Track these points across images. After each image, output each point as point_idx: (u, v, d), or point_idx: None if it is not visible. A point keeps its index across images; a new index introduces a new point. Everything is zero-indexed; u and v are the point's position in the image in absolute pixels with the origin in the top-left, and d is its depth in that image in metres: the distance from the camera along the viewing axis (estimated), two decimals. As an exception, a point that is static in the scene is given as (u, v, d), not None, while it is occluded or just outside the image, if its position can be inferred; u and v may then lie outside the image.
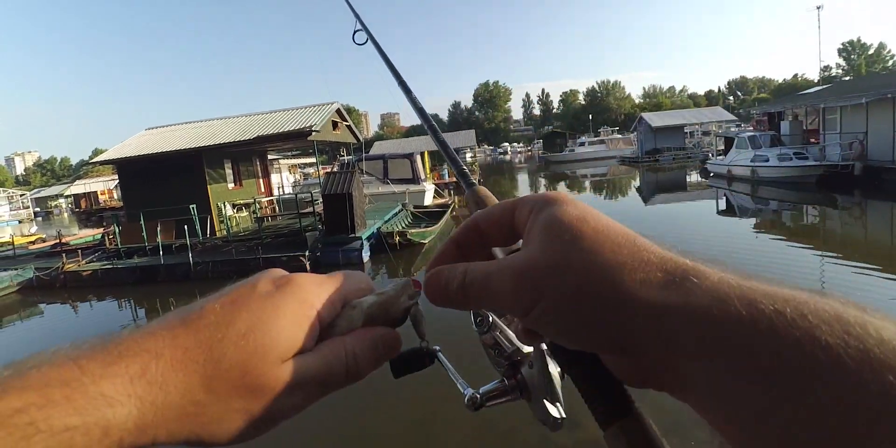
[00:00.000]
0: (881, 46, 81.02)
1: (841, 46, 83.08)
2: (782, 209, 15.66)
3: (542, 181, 35.52)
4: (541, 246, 0.31)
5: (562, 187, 30.45)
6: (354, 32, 1.20)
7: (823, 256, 9.31)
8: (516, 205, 0.36)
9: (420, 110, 0.77)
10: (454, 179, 31.53)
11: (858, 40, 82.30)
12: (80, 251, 13.52)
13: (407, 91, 0.85)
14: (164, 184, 14.19)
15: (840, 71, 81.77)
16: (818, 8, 39.47)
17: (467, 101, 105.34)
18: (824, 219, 13.63)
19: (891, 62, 79.26)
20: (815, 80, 63.66)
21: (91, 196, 44.85)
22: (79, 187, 48.47)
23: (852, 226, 12.61)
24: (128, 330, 0.30)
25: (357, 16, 1.24)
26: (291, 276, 0.37)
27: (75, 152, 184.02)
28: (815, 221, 13.53)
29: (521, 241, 0.36)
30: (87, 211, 41.59)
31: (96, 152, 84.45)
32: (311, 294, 0.36)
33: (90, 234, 18.78)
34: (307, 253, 11.49)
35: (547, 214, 0.32)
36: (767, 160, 19.19)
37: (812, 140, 21.22)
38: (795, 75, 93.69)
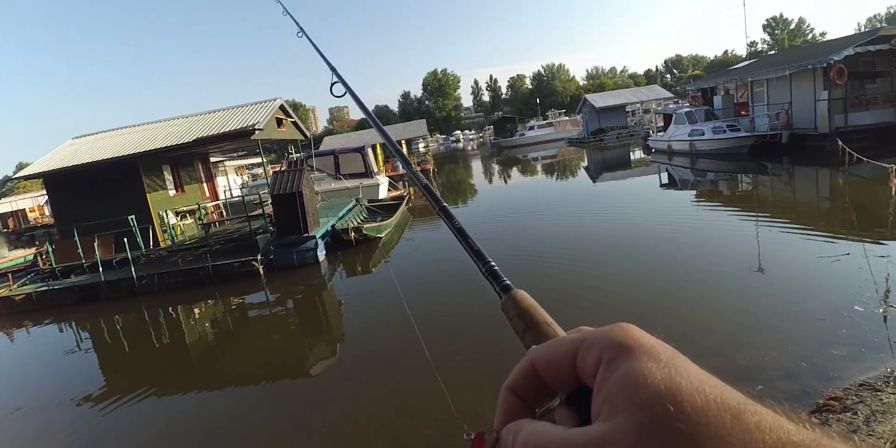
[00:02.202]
0: (801, 21, 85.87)
1: (765, 22, 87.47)
2: (719, 179, 16.51)
3: (496, 167, 35.84)
4: (623, 427, 0.27)
5: (514, 176, 30.86)
6: (332, 84, 1.29)
7: (757, 219, 9.88)
8: (578, 347, 0.33)
9: (378, 127, 0.78)
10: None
11: (781, 16, 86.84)
12: (10, 275, 12.63)
13: (362, 106, 0.88)
14: (98, 195, 13.39)
15: (765, 46, 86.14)
16: (741, -15, 41.33)
17: (417, 91, 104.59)
18: (756, 185, 14.46)
19: (811, 35, 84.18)
20: (744, 56, 66.94)
21: (19, 214, 41.75)
22: (4, 205, 45.02)
23: (782, 190, 13.44)
24: None
25: (333, 69, 1.32)
26: None
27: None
28: (748, 188, 14.33)
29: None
30: (16, 230, 38.74)
31: (21, 166, 78.75)
32: None
33: (21, 255, 17.57)
34: (259, 257, 11.17)
35: (626, 376, 0.29)
36: (703, 134, 20.11)
37: (743, 112, 22.38)
38: (725, 52, 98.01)
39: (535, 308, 0.45)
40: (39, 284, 11.91)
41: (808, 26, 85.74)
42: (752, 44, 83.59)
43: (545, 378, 0.35)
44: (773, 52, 72.04)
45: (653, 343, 0.31)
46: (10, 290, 11.72)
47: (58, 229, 13.96)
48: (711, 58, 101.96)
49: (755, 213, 10.51)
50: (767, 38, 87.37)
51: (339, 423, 4.88)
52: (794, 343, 4.80)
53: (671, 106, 39.95)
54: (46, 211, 40.69)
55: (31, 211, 42.25)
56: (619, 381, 0.29)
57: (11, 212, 42.48)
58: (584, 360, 0.33)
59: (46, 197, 16.30)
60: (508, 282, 0.47)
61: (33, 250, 17.05)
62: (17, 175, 15.60)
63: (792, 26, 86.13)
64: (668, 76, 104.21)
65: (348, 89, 1.47)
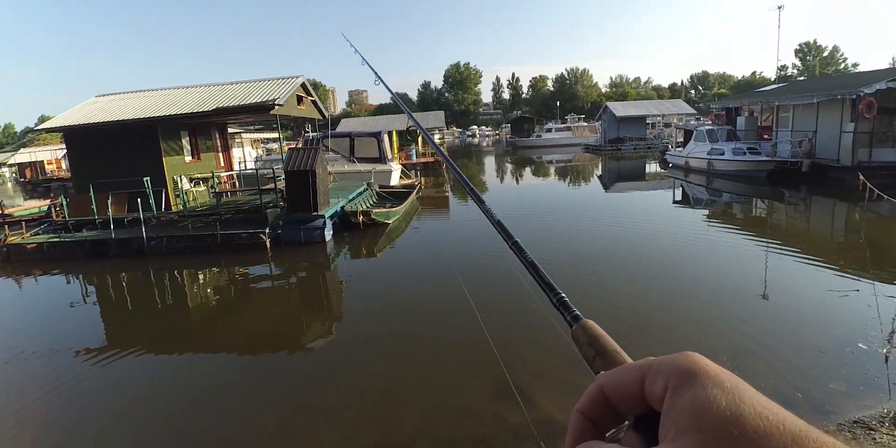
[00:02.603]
0: (835, 49, 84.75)
1: (798, 47, 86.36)
2: (734, 201, 16.41)
3: (510, 166, 35.76)
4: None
5: (527, 176, 30.79)
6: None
7: (768, 245, 9.85)
8: (646, 373, 0.35)
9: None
10: (422, 160, 31.41)
11: (814, 42, 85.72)
12: (24, 223, 12.79)
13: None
14: (116, 154, 13.49)
15: (795, 71, 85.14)
16: (779, 8, 40.76)
17: (437, 82, 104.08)
18: (771, 211, 14.37)
19: (843, 65, 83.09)
20: (772, 79, 66.14)
21: (37, 165, 42.14)
22: (24, 156, 45.47)
23: (797, 219, 13.35)
24: None
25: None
26: None
27: (20, 119, 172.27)
28: (762, 213, 14.25)
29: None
30: (33, 181, 39.16)
31: (42, 119, 79.28)
32: None
33: (36, 205, 17.79)
34: (267, 230, 11.26)
35: (692, 401, 0.31)
36: (723, 153, 19.96)
37: (765, 136, 22.19)
38: (754, 73, 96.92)
39: (604, 337, 0.47)
40: (51, 235, 12.07)
41: (842, 55, 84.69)
42: (783, 67, 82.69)
43: (614, 402, 0.37)
44: (802, 77, 71.26)
45: (717, 370, 0.33)
46: (23, 238, 11.88)
47: (73, 183, 14.08)
48: (739, 77, 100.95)
49: (766, 239, 10.47)
50: (798, 62, 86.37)
51: (326, 402, 4.95)
52: (792, 373, 4.83)
53: (693, 122, 39.69)
54: (63, 164, 41.00)
55: (48, 163, 42.61)
56: (685, 407, 0.31)
57: (29, 162, 42.90)
58: (652, 385, 0.35)
59: (65, 151, 16.39)
60: (578, 312, 0.50)
61: (48, 202, 17.23)
62: (38, 127, 15.69)
63: (825, 53, 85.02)
64: (693, 92, 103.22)
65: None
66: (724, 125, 23.04)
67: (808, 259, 8.83)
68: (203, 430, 4.63)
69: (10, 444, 4.53)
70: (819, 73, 75.51)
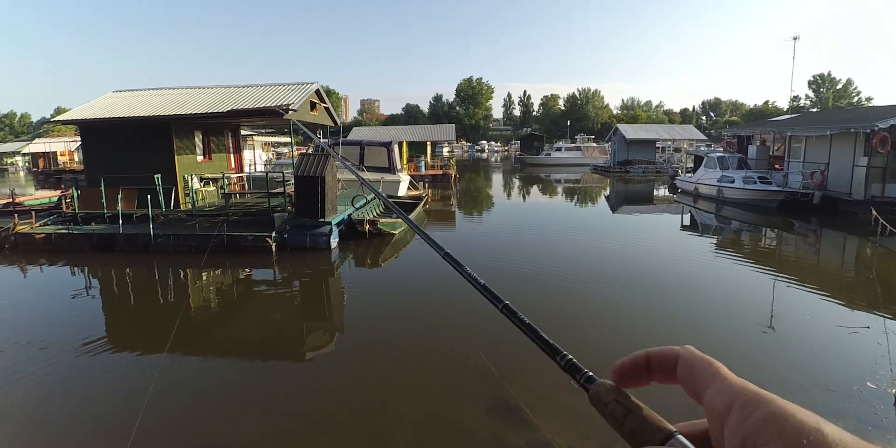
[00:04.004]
0: (849, 83, 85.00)
1: (811, 78, 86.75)
2: (742, 229, 16.31)
3: (517, 183, 35.81)
4: None
5: (534, 194, 30.80)
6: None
7: (776, 276, 9.74)
8: (710, 384, 0.38)
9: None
10: (430, 172, 31.50)
11: (828, 74, 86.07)
12: (33, 212, 12.87)
13: None
14: (129, 150, 13.60)
15: (808, 102, 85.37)
16: (794, 39, 41.10)
17: (449, 95, 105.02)
18: (781, 242, 14.26)
19: (856, 98, 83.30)
20: (785, 109, 66.36)
21: (50, 156, 42.68)
22: (38, 146, 46.06)
23: (806, 251, 13.24)
24: None
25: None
26: None
27: (36, 109, 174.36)
28: (771, 244, 14.14)
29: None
30: (45, 171, 39.64)
31: (59, 111, 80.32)
32: None
33: (46, 195, 17.94)
34: (274, 234, 11.25)
35: (768, 413, 0.32)
36: (733, 181, 19.91)
37: (777, 166, 22.14)
38: (766, 102, 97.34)
39: (626, 393, 0.46)
40: (60, 227, 12.13)
41: (855, 89, 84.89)
42: (795, 98, 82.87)
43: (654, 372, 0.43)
44: (815, 109, 71.44)
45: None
46: (32, 227, 11.95)
47: (85, 176, 14.18)
48: (751, 106, 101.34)
49: (774, 270, 10.36)
50: (811, 94, 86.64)
51: (319, 411, 4.89)
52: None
53: (703, 148, 39.73)
54: (76, 157, 41.50)
55: (61, 155, 43.12)
56: (761, 418, 0.32)
57: (43, 153, 43.41)
58: (715, 398, 0.36)
59: (79, 143, 16.55)
60: (591, 373, 0.48)
61: (58, 192, 17.37)
62: (55, 118, 15.87)
63: (839, 86, 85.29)
64: (704, 118, 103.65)
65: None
66: (735, 153, 23.02)
67: (817, 292, 8.72)
68: (188, 432, 4.55)
69: None
70: (832, 105, 75.66)
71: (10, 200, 14.48)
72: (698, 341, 6.48)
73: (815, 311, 7.74)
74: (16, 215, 12.21)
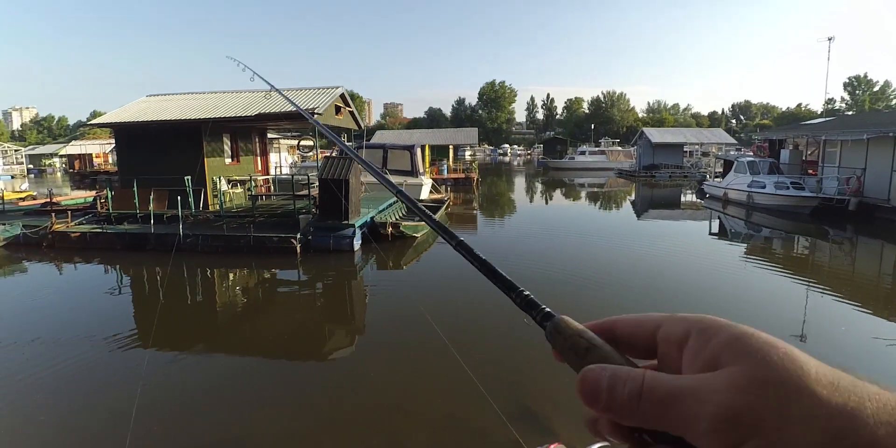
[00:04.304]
0: (886, 85, 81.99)
1: (847, 80, 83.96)
2: (774, 237, 15.83)
3: (540, 186, 35.57)
4: (749, 372, 0.29)
5: (557, 198, 30.55)
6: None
7: (809, 285, 9.43)
8: (661, 322, 0.35)
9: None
10: (452, 176, 31.55)
11: (865, 76, 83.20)
12: (69, 212, 13.36)
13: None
14: (160, 152, 14.01)
15: (843, 105, 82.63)
16: (829, 39, 39.80)
17: (471, 99, 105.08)
18: (814, 250, 13.80)
19: (895, 101, 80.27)
20: (819, 112, 64.35)
21: (86, 158, 44.32)
22: (74, 148, 47.88)
23: (841, 260, 12.77)
24: None
25: None
26: None
27: (73, 112, 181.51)
28: (804, 251, 13.69)
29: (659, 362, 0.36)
30: (81, 172, 41.17)
31: (94, 114, 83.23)
32: None
33: (82, 196, 18.58)
34: (298, 235, 11.42)
35: (730, 335, 0.31)
36: (764, 187, 19.37)
37: (810, 171, 21.45)
38: (799, 105, 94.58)
39: (588, 330, 0.42)
40: (94, 226, 12.56)
41: (894, 90, 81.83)
42: (830, 101, 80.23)
43: (620, 336, 0.38)
44: (850, 112, 69.03)
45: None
46: (68, 226, 12.40)
47: (119, 177, 14.66)
48: (783, 109, 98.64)
49: (807, 279, 10.03)
50: (847, 96, 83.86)
51: (337, 410, 4.92)
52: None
53: (733, 152, 38.77)
54: (110, 159, 42.96)
55: (96, 156, 44.73)
56: (724, 340, 0.31)
57: (79, 155, 45.12)
58: (670, 329, 0.34)
59: (113, 145, 17.13)
60: (549, 309, 0.44)
61: (93, 193, 17.99)
62: (91, 122, 16.46)
63: (876, 88, 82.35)
64: (734, 121, 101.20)
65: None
66: (766, 157, 22.42)
67: (852, 303, 8.39)
68: (206, 427, 4.63)
69: (17, 424, 4.63)
70: (869, 108, 73.03)
71: (48, 200, 15.06)
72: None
73: (850, 322, 7.46)
74: (53, 214, 12.69)
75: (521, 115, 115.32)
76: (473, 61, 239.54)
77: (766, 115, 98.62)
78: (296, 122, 15.12)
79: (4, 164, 44.41)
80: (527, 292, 0.48)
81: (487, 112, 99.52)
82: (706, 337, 0.32)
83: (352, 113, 17.72)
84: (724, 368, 0.30)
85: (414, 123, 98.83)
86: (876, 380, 0.29)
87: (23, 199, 17.82)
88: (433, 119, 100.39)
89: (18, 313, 8.01)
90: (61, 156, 50.64)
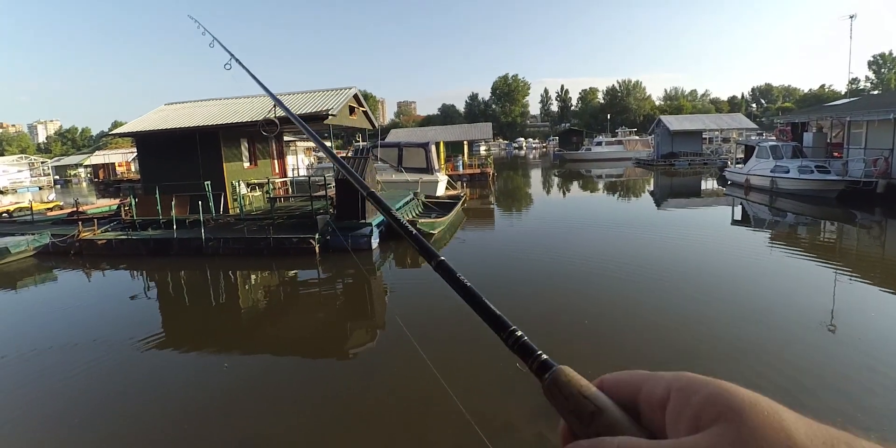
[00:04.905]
0: (914, 61, 78.97)
1: (871, 59, 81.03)
2: (799, 223, 15.43)
3: (557, 179, 35.27)
4: (730, 435, 0.28)
5: (575, 190, 30.28)
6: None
7: (837, 271, 9.18)
8: (641, 384, 0.35)
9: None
10: (468, 171, 31.51)
11: (890, 53, 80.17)
12: (95, 220, 13.74)
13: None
14: (180, 159, 14.30)
15: (869, 84, 79.87)
16: (851, 17, 38.37)
17: (485, 93, 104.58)
18: (842, 235, 13.42)
19: (923, 78, 77.26)
20: (843, 93, 62.28)
21: (109, 167, 45.50)
22: (98, 158, 49.20)
23: (870, 244, 12.39)
24: None
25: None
26: None
27: (96, 123, 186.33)
28: (831, 237, 13.33)
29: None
30: (105, 181, 42.34)
31: (116, 124, 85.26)
32: None
33: (107, 204, 19.09)
34: (317, 236, 11.56)
35: (711, 393, 0.30)
36: (788, 171, 18.89)
37: (835, 154, 20.84)
38: (822, 86, 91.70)
39: (592, 386, 0.37)
40: (120, 233, 12.91)
41: (923, 69, 78.78)
42: (854, 80, 77.52)
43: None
44: (876, 91, 66.68)
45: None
46: (94, 234, 12.77)
47: (142, 185, 15.02)
48: (805, 91, 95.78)
49: (835, 265, 9.76)
50: (872, 75, 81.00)
51: (362, 409, 4.97)
52: (864, 413, 4.43)
53: (754, 137, 37.86)
54: (133, 167, 44.03)
55: (119, 165, 45.87)
56: (703, 398, 0.30)
57: (103, 164, 46.35)
58: (651, 390, 0.34)
59: (135, 154, 17.54)
60: (546, 356, 0.39)
61: (118, 201, 18.46)
62: (112, 132, 16.89)
63: (903, 66, 79.36)
64: (755, 105, 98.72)
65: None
66: (789, 141, 21.83)
67: (883, 288, 8.16)
68: (235, 424, 4.73)
69: (43, 423, 4.80)
70: (895, 86, 70.45)
71: (75, 209, 15.51)
72: (749, 342, 6.19)
73: (881, 310, 7.25)
74: (80, 223, 13.07)
75: (535, 108, 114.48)
76: (486, 56, 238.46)
77: (787, 98, 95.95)
78: (311, 124, 15.26)
79: (32, 176, 45.86)
80: (520, 332, 0.42)
81: (501, 106, 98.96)
82: (685, 395, 0.31)
83: (365, 113, 17.82)
84: (705, 431, 0.29)
85: (427, 121, 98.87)
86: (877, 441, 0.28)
87: (50, 210, 18.41)
88: (447, 115, 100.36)
89: (50, 320, 8.29)
90: (86, 166, 52.02)
